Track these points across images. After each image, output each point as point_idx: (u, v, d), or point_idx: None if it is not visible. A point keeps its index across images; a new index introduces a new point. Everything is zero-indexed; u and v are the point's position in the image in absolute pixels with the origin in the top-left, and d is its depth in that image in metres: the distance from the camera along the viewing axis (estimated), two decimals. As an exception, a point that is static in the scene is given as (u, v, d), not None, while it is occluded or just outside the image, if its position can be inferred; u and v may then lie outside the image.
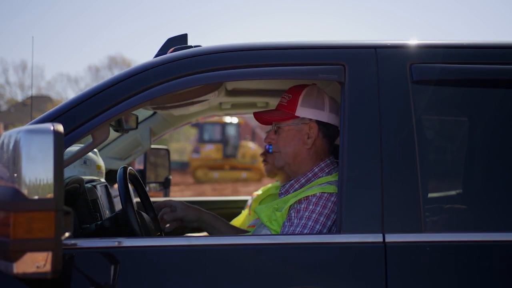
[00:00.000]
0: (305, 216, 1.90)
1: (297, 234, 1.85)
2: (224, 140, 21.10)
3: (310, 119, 2.06)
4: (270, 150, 2.87)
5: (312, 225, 1.87)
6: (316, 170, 2.07)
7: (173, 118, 3.52)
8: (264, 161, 3.41)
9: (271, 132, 2.16)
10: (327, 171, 2.07)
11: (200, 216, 2.32)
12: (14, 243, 1.37)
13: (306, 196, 1.94)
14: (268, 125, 2.20)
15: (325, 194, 1.92)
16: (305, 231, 1.87)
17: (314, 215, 1.89)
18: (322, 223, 1.88)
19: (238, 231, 2.37)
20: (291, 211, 1.95)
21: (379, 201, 1.69)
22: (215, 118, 19.69)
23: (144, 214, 2.21)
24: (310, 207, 1.91)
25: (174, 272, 1.65)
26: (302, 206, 1.93)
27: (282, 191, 2.13)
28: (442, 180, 2.01)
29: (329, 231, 1.87)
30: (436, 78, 1.81)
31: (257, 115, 2.16)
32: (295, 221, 1.91)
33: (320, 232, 1.86)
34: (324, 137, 2.09)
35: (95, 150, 2.98)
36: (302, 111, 2.06)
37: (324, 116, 2.07)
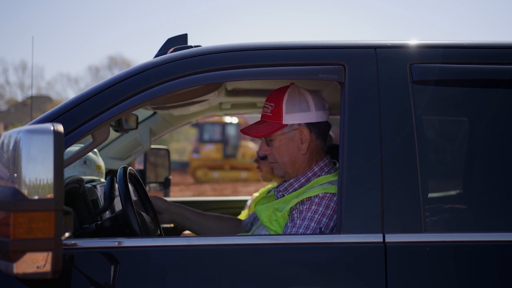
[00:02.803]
0: (307, 217, 1.89)
1: (299, 235, 1.85)
2: (224, 140, 21.09)
3: (299, 124, 2.03)
4: (261, 157, 2.89)
5: (314, 226, 1.87)
6: (316, 169, 2.07)
7: (173, 118, 3.52)
8: (258, 167, 3.44)
9: (263, 143, 2.12)
10: (326, 170, 2.07)
11: (169, 207, 2.37)
12: (14, 243, 1.37)
13: (308, 197, 1.93)
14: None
15: (328, 195, 1.92)
16: (308, 233, 1.86)
17: (316, 216, 1.89)
18: (325, 224, 1.88)
19: (208, 218, 2.40)
20: (294, 212, 1.94)
21: (379, 201, 1.69)
22: (215, 118, 19.66)
23: (144, 214, 2.21)
24: (313, 207, 1.90)
25: (174, 272, 1.65)
26: (305, 207, 1.92)
27: (281, 189, 2.11)
28: (442, 180, 2.01)
29: (332, 232, 1.87)
30: (436, 78, 1.81)
31: (244, 131, 2.10)
32: (298, 222, 1.90)
33: (321, 233, 1.86)
34: (318, 137, 2.07)
35: (95, 150, 2.98)
36: (289, 118, 2.02)
37: (312, 116, 2.03)
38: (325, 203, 1.90)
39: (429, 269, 1.66)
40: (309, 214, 1.89)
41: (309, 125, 2.04)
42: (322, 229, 1.87)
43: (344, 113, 1.77)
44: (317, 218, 1.88)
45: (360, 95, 1.77)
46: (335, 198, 1.91)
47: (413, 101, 1.77)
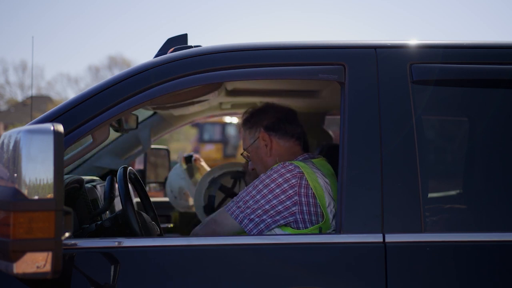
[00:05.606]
0: (260, 178, 1.97)
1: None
2: (224, 140, 21.10)
3: (259, 132, 2.18)
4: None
5: (257, 183, 1.94)
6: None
7: (173, 118, 3.52)
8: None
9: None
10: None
11: None
12: (14, 243, 1.37)
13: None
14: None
15: (281, 163, 1.98)
16: (249, 188, 1.95)
17: (263, 176, 1.96)
18: (266, 184, 1.93)
19: None
20: None
21: (379, 201, 1.69)
22: (215, 118, 19.68)
23: (144, 214, 2.21)
24: (267, 172, 1.98)
25: (174, 272, 1.65)
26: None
27: None
28: (442, 180, 2.01)
29: (273, 188, 1.91)
30: (436, 78, 1.81)
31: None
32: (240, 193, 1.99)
33: (259, 192, 1.91)
34: (280, 137, 2.17)
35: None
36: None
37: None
38: (276, 168, 1.95)
39: (429, 269, 1.66)
40: (263, 176, 1.96)
41: (266, 129, 2.17)
42: (260, 188, 1.92)
43: (344, 113, 1.77)
44: (262, 178, 1.94)
45: (360, 95, 1.77)
46: (287, 163, 1.96)
47: (413, 101, 1.77)
